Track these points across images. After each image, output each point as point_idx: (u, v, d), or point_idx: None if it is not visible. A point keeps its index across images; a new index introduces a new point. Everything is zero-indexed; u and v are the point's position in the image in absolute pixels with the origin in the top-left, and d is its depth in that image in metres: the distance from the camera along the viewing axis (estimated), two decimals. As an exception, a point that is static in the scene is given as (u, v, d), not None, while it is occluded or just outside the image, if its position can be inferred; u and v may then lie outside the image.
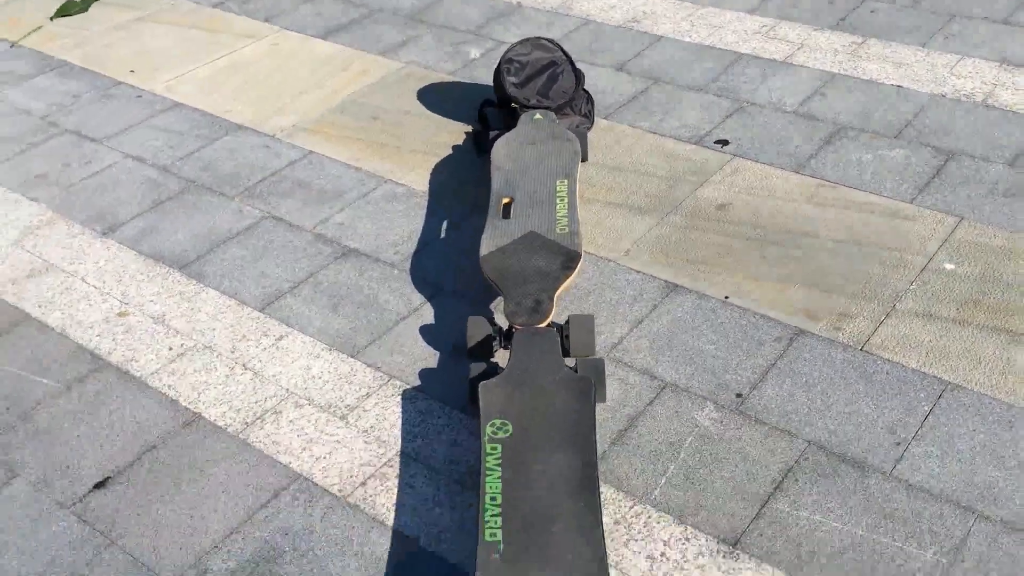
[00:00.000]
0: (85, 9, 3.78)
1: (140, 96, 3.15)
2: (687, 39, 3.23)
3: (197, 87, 3.17)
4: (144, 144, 2.88)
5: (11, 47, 3.54)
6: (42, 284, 2.34)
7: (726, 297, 2.14)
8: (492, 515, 1.56)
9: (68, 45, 3.52)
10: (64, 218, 2.57)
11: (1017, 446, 1.74)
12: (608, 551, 1.59)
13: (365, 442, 1.86)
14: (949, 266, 2.18)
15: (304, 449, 1.86)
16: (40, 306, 2.27)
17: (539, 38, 2.76)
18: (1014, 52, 3.00)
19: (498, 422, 1.72)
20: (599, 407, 1.86)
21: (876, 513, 1.65)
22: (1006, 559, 1.55)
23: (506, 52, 2.73)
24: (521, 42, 2.75)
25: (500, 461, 1.65)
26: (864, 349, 1.97)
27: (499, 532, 1.53)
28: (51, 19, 3.72)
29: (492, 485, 1.61)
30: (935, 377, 1.90)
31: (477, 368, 1.88)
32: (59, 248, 2.46)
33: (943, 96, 2.81)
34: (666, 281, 2.19)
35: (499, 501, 1.58)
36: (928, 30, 3.17)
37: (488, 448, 1.68)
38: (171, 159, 2.80)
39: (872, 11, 3.31)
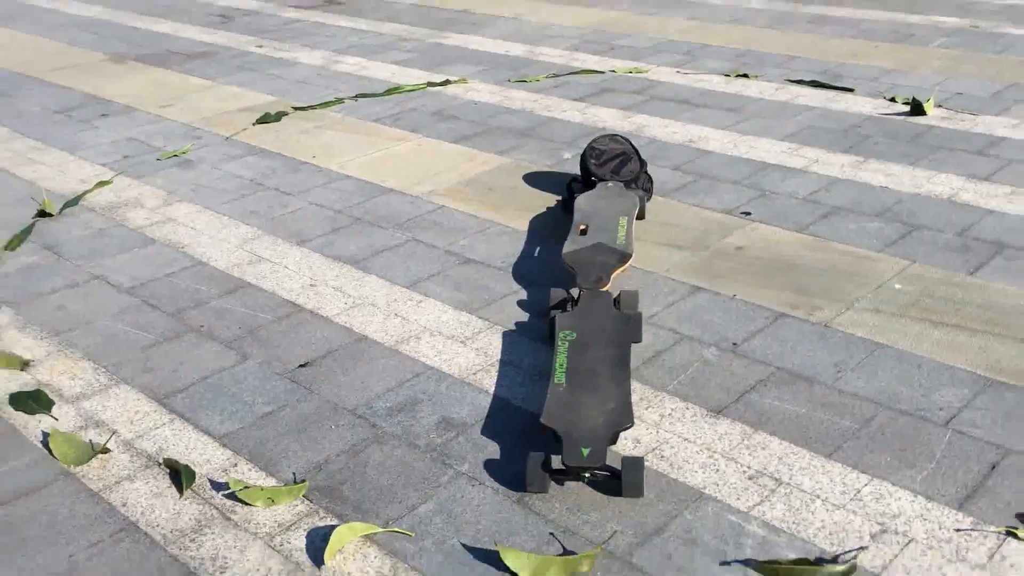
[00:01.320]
0: (278, 119, 5.04)
1: (320, 171, 4.29)
2: (730, 153, 4.24)
3: (361, 167, 4.30)
4: (324, 197, 3.98)
5: (226, 139, 4.78)
6: (258, 268, 3.38)
7: (734, 295, 3.02)
8: (559, 373, 2.44)
9: (267, 140, 4.75)
10: (270, 235, 3.64)
11: (915, 379, 2.54)
12: (633, 404, 2.42)
13: (476, 354, 2.76)
14: (898, 286, 3.03)
15: (436, 355, 2.77)
16: (257, 279, 3.29)
17: (615, 135, 3.81)
18: (981, 171, 3.91)
19: (566, 332, 2.62)
20: (636, 347, 2.73)
21: (816, 403, 2.46)
22: (896, 430, 2.33)
23: (591, 142, 3.78)
24: (601, 136, 3.81)
25: (567, 349, 2.54)
26: (827, 325, 2.82)
27: (563, 377, 2.40)
28: (253, 124, 4.98)
29: (560, 359, 2.50)
30: (872, 341, 2.72)
31: (555, 311, 2.79)
32: (268, 250, 3.51)
33: (918, 194, 3.71)
34: (692, 285, 3.09)
35: (564, 367, 2.46)
36: (917, 156, 4.11)
37: (560, 345, 2.56)
38: (343, 206, 3.87)
39: (876, 143, 4.28)
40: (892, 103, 4.81)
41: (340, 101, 5.31)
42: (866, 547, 1.98)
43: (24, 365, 2.79)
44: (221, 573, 1.99)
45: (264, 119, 5.03)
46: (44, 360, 2.83)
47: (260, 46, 6.80)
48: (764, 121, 4.66)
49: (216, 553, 2.05)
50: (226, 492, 2.23)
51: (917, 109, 4.61)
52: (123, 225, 3.79)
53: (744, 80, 5.37)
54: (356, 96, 5.39)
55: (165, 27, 7.58)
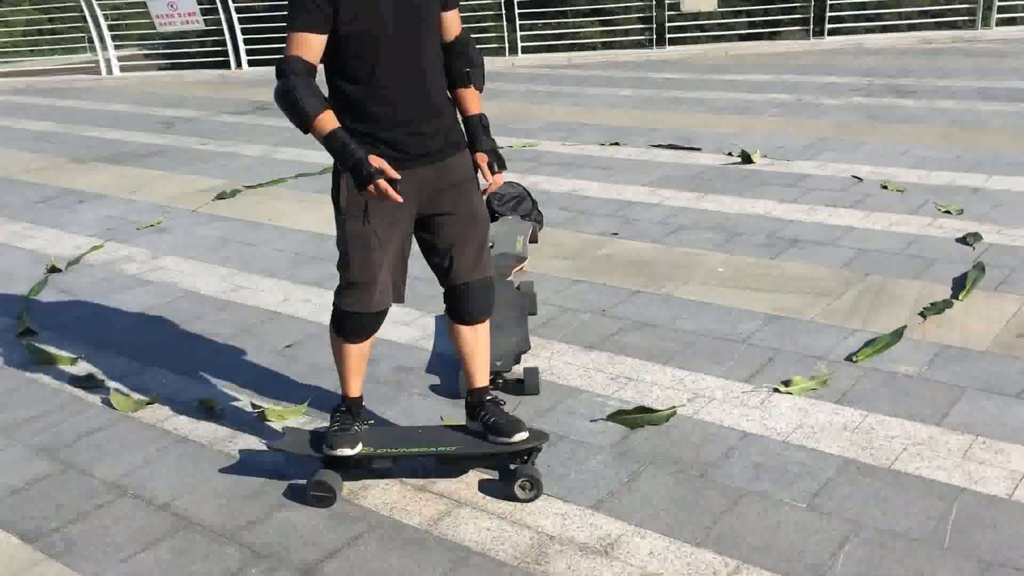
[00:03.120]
0: (234, 196, 6.03)
1: (276, 228, 5.28)
2: (602, 197, 5.40)
3: (311, 223, 5.31)
4: (284, 245, 4.96)
5: (191, 212, 5.74)
6: (240, 292, 4.32)
7: (604, 283, 4.09)
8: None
9: (226, 210, 5.73)
10: (245, 272, 4.59)
11: (726, 319, 3.63)
12: (529, 341, 3.43)
13: (416, 330, 3.76)
14: (721, 269, 4.16)
15: (388, 332, 3.74)
16: (241, 299, 4.23)
17: (512, 182, 4.93)
18: (789, 196, 5.14)
19: (482, 305, 3.65)
20: (534, 318, 3.75)
21: (657, 338, 3.52)
22: (711, 347, 3.41)
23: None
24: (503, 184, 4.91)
25: (482, 315, 3.56)
26: (669, 295, 3.91)
27: (481, 329, 3.42)
28: (213, 200, 5.96)
29: (478, 320, 3.51)
30: (701, 301, 3.82)
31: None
32: (245, 281, 4.46)
33: (741, 214, 4.91)
34: (573, 279, 4.16)
35: (481, 324, 3.48)
36: (743, 189, 5.33)
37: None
38: (301, 250, 4.87)
39: (714, 183, 5.50)
40: (729, 156, 6.08)
41: (284, 180, 6.34)
42: (684, 404, 3.02)
43: (72, 362, 3.67)
44: (253, 456, 2.91)
45: (222, 196, 6.02)
46: (89, 357, 3.71)
47: (204, 144, 7.82)
48: (630, 174, 5.86)
49: (249, 445, 2.97)
50: (257, 413, 3.15)
51: (746, 159, 5.89)
52: (122, 273, 4.70)
53: (615, 147, 6.61)
54: (297, 175, 6.43)
55: (115, 135, 8.55)
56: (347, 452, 2.65)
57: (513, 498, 2.58)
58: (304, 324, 3.91)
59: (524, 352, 3.30)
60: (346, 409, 2.76)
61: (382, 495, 2.68)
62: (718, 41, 11.65)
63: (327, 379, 3.38)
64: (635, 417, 2.95)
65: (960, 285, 3.75)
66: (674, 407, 3.00)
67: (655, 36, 11.31)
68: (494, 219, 4.77)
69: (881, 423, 2.84)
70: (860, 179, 5.36)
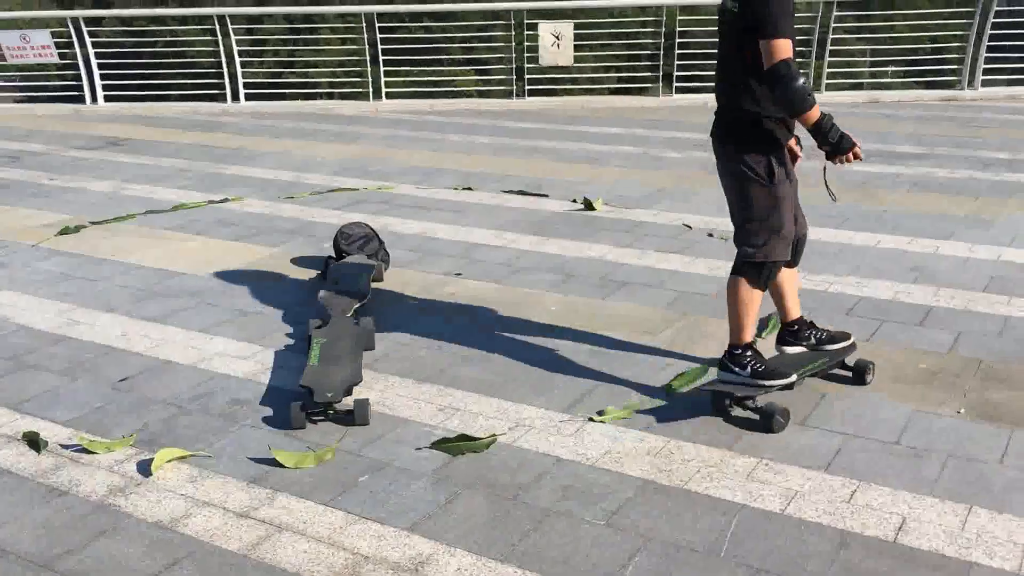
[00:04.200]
0: (78, 231, 5.92)
1: (120, 263, 5.23)
2: (450, 239, 5.60)
3: (156, 259, 5.27)
4: (126, 281, 4.92)
5: (32, 246, 5.61)
6: (76, 328, 4.27)
7: (449, 318, 4.27)
8: (313, 358, 3.56)
9: (69, 245, 5.63)
10: (83, 307, 4.53)
11: (550, 348, 3.86)
12: (362, 372, 3.55)
13: (255, 364, 3.82)
14: (553, 308, 4.39)
15: (225, 367, 3.79)
16: (76, 335, 4.19)
17: (360, 222, 5.07)
18: (624, 241, 5.47)
19: (319, 338, 3.76)
20: (373, 353, 3.88)
21: (488, 370, 3.70)
22: (534, 375, 3.62)
23: (341, 228, 5.01)
24: (350, 224, 5.05)
25: (319, 348, 3.67)
26: (503, 333, 4.11)
27: (316, 360, 3.53)
28: (56, 235, 5.84)
29: (315, 352, 3.63)
30: (525, 336, 4.03)
31: (313, 328, 3.91)
32: (82, 316, 4.41)
33: (579, 257, 5.19)
34: (416, 316, 4.32)
35: (318, 355, 3.59)
36: (584, 234, 5.63)
37: (314, 347, 3.69)
38: (143, 285, 4.84)
39: (557, 228, 5.79)
40: (574, 203, 6.40)
41: (132, 216, 6.28)
42: (505, 432, 3.20)
43: None
44: (76, 487, 2.91)
45: (65, 231, 5.91)
46: (-96, 394, 3.61)
47: (51, 179, 7.63)
48: (479, 217, 6.09)
49: (72, 478, 2.97)
50: (75, 448, 3.15)
51: (589, 206, 6.22)
52: (-50, 307, 4.56)
53: (468, 191, 6.84)
54: (146, 212, 6.38)
55: (-46, 165, 8.22)
56: (793, 378, 3.30)
57: (332, 523, 2.70)
58: (140, 359, 3.90)
59: (355, 384, 3.42)
60: (752, 352, 3.34)
61: (204, 522, 2.74)
62: (578, 94, 12.17)
63: (159, 412, 3.40)
64: (457, 445, 3.11)
65: (764, 325, 4.10)
66: (494, 435, 3.18)
67: (519, 86, 11.71)
68: (340, 258, 4.89)
69: (680, 448, 3.09)
70: (690, 227, 5.75)
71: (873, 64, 13.86)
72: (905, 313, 4.22)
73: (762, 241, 3.23)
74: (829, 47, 11.54)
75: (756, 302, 3.31)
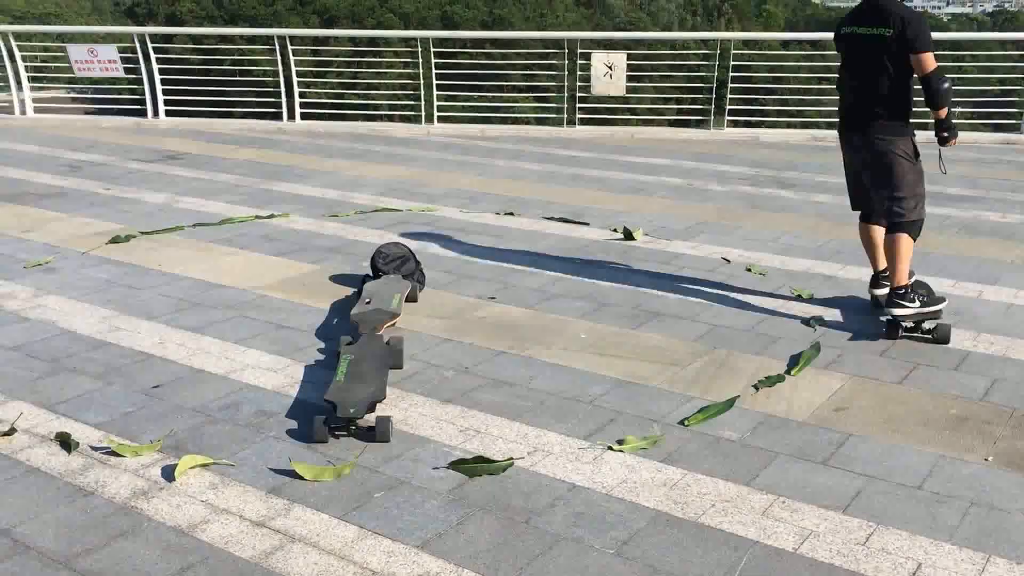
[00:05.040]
0: (127, 241, 6.10)
1: (164, 274, 5.37)
2: (487, 261, 5.64)
3: (200, 271, 5.41)
4: (168, 291, 5.05)
5: (82, 254, 5.79)
6: (116, 334, 4.39)
7: (471, 343, 4.30)
8: (340, 375, 3.61)
9: (118, 254, 5.79)
10: (125, 315, 4.66)
11: (579, 382, 3.87)
12: (387, 391, 3.59)
13: (284, 377, 3.88)
14: (583, 336, 4.40)
15: (256, 379, 3.86)
16: (116, 340, 4.30)
17: (398, 242, 5.14)
18: (655, 275, 5.46)
19: (347, 355, 3.81)
20: (400, 372, 3.93)
21: (512, 396, 3.72)
22: (558, 405, 3.63)
23: (379, 247, 5.08)
24: (387, 243, 5.12)
25: (347, 365, 3.72)
26: (530, 358, 4.13)
27: (343, 377, 3.58)
28: (106, 243, 6.02)
29: (342, 369, 3.68)
30: (557, 364, 4.05)
31: (343, 345, 3.97)
32: (124, 323, 4.54)
33: (612, 286, 5.19)
34: (443, 338, 4.36)
35: (345, 372, 3.64)
36: (623, 265, 5.64)
37: (342, 363, 3.74)
38: (184, 296, 4.96)
39: (595, 257, 5.81)
40: (614, 232, 6.41)
41: (181, 228, 6.44)
42: (523, 456, 3.21)
43: (-66, 391, 3.70)
44: (102, 488, 2.99)
45: (115, 240, 6.08)
46: (-51, 389, 3.74)
47: (107, 188, 7.87)
48: (518, 243, 6.13)
49: (98, 479, 3.05)
50: (104, 450, 3.23)
51: (628, 235, 6.23)
52: (1, 309, 4.72)
53: (510, 217, 6.89)
54: (195, 224, 6.54)
55: (19, 174, 8.51)
56: (946, 300, 4.46)
57: (344, 537, 2.74)
58: (175, 367, 4.00)
59: (378, 401, 3.47)
60: (914, 287, 4.42)
61: (221, 529, 2.79)
62: (634, 125, 12.21)
63: (188, 419, 3.49)
64: (474, 466, 3.14)
65: (794, 362, 4.06)
66: (512, 458, 3.19)
67: (571, 115, 11.79)
68: (377, 277, 4.96)
69: (697, 481, 3.08)
70: (728, 261, 5.72)
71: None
72: (941, 357, 4.15)
73: (913, 204, 4.34)
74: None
75: (911, 251, 4.36)
